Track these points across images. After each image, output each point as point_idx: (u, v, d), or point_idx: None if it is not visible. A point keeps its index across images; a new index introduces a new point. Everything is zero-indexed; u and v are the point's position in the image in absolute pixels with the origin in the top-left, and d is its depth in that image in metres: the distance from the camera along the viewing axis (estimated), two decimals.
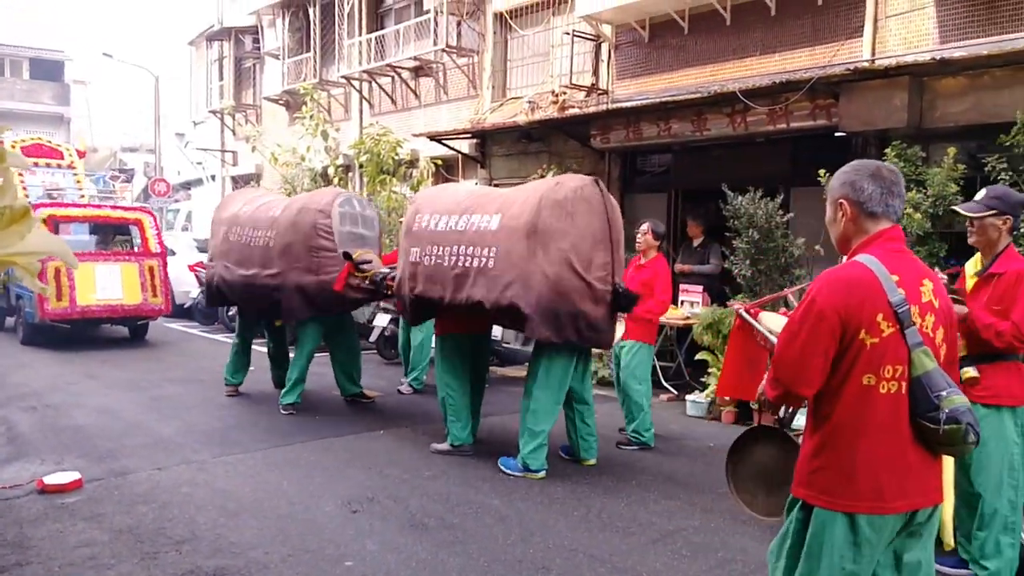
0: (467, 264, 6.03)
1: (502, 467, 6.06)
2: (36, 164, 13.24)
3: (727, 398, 7.73)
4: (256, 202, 8.60)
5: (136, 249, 12.56)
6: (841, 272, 2.44)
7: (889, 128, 8.12)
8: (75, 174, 14.00)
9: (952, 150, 7.38)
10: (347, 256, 7.31)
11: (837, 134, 8.61)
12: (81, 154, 14.72)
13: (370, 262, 7.38)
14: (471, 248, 6.03)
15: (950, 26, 8.36)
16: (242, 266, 8.21)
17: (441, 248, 6.24)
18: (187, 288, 14.60)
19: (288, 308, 7.79)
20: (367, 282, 7.34)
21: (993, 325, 3.76)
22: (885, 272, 2.37)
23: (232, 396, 8.62)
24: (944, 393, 2.31)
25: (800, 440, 2.61)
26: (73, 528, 4.77)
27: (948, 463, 3.15)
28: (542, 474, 5.94)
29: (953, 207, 4.22)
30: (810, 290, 2.45)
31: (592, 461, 6.34)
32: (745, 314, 3.72)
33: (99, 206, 12.96)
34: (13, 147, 12.97)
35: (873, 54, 8.91)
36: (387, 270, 7.31)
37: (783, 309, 4.16)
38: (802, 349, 2.39)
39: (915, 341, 2.35)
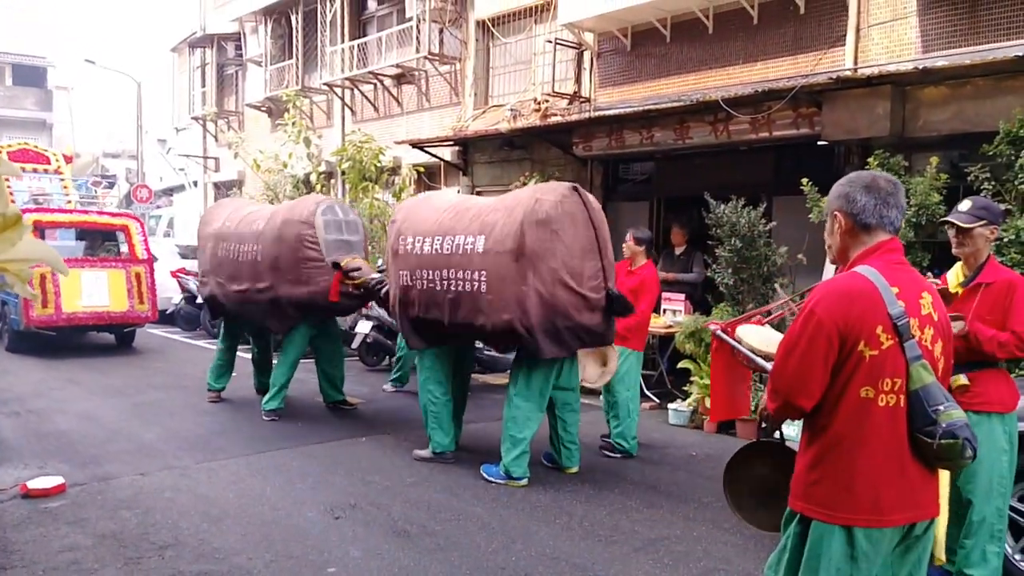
0: (459, 288, 6.03)
1: (484, 475, 6.05)
2: (23, 169, 13.11)
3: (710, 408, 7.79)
4: (239, 214, 8.53)
5: (123, 255, 12.39)
6: (841, 283, 2.43)
7: (872, 137, 8.19)
8: (62, 179, 13.90)
9: (935, 159, 7.45)
10: (336, 266, 7.32)
11: (820, 143, 8.66)
12: (68, 159, 14.60)
13: (359, 269, 7.38)
14: (461, 272, 6.02)
15: (932, 35, 8.46)
16: (234, 281, 8.17)
17: (431, 272, 6.24)
18: (169, 294, 14.53)
19: (282, 319, 7.83)
20: (359, 288, 7.38)
21: (995, 337, 3.80)
22: (885, 284, 2.36)
23: (215, 402, 8.58)
24: (942, 407, 2.30)
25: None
26: (57, 532, 4.75)
27: (944, 477, 3.17)
28: (524, 482, 5.94)
29: (944, 219, 4.27)
30: (809, 300, 2.44)
31: (574, 469, 6.35)
32: (721, 333, 3.71)
33: (86, 211, 12.85)
34: None
35: (856, 63, 8.99)
36: (378, 276, 7.34)
37: (758, 318, 4.16)
38: (801, 360, 2.37)
39: (914, 354, 2.34)
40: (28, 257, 1.44)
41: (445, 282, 6.14)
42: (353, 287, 7.37)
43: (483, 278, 5.88)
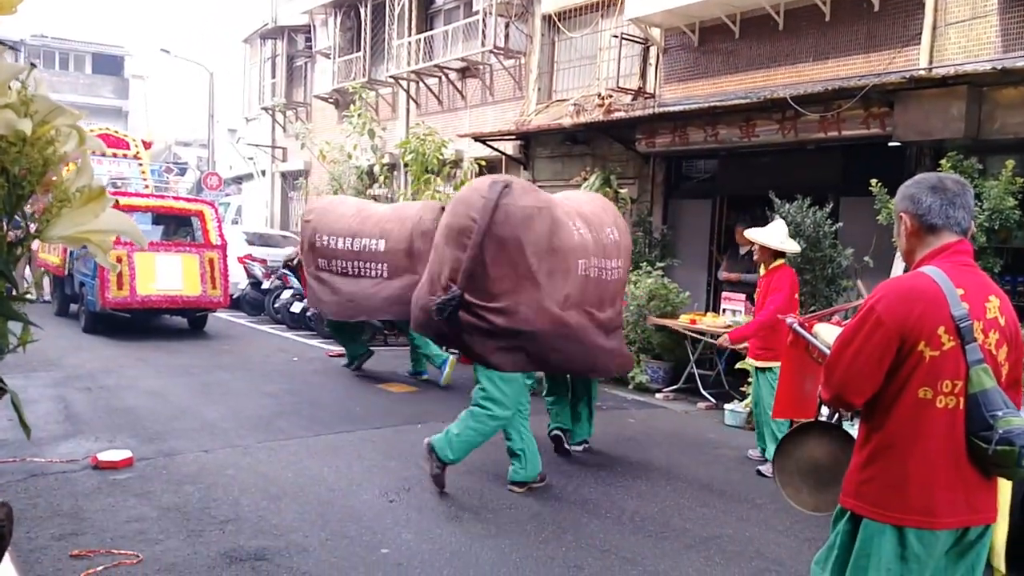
0: (368, 275, 8.81)
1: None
2: (103, 153, 13.46)
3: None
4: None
5: (197, 240, 12.55)
6: (904, 282, 2.40)
7: (945, 138, 7.93)
8: (140, 165, 14.25)
9: (1010, 163, 7.21)
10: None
11: (891, 143, 8.45)
12: (147, 145, 14.93)
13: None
14: (367, 264, 8.87)
15: (1013, 34, 8.16)
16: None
17: (344, 262, 9.03)
18: (236, 280, 14.87)
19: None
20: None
21: None
22: (950, 284, 2.32)
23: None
24: (1000, 413, 2.25)
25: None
26: (124, 503, 4.93)
27: (1005, 486, 3.08)
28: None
29: None
30: (870, 297, 2.42)
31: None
32: (799, 328, 3.64)
33: (162, 196, 13.10)
34: None
35: (931, 62, 8.73)
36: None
37: (836, 318, 4.08)
38: (854, 356, 2.36)
39: (975, 357, 2.29)
40: (109, 228, 1.49)
41: (356, 269, 8.91)
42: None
43: (386, 268, 8.73)
